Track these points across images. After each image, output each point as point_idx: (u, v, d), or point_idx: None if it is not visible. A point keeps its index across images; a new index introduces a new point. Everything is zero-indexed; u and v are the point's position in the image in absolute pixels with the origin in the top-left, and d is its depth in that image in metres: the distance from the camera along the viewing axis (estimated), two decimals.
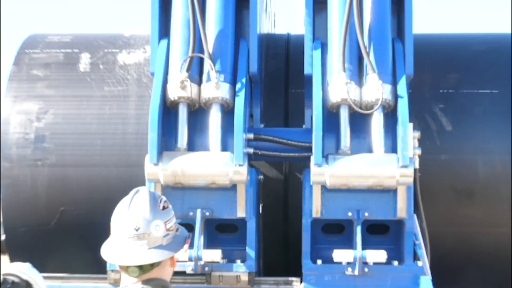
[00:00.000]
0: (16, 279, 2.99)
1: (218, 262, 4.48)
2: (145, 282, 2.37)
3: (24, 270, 3.07)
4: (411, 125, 4.46)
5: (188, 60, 4.66)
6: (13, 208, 5.80)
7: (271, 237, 5.42)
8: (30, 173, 5.75)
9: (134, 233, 2.38)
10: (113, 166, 5.73)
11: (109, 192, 5.34)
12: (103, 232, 4.27)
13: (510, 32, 6.80)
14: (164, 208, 2.51)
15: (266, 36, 5.99)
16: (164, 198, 2.60)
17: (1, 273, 2.99)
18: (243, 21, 5.13)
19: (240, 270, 4.55)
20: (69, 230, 5.71)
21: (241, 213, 4.60)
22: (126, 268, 2.40)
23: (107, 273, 4.50)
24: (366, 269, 4.35)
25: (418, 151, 4.54)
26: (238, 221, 4.71)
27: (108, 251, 2.47)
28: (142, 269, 2.37)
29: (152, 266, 2.39)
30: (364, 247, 4.38)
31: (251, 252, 4.67)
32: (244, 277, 4.57)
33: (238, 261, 4.58)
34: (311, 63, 4.92)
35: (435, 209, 5.23)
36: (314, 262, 4.56)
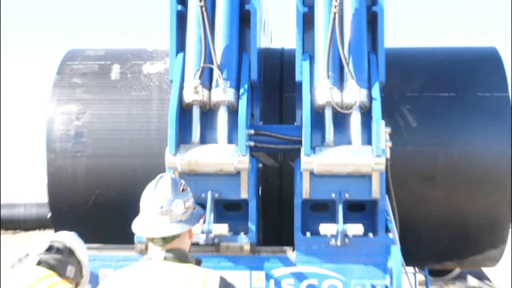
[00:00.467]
0: (60, 246, 3.17)
1: (225, 235, 4.79)
2: (168, 251, 2.65)
3: (68, 238, 3.28)
4: (383, 122, 4.75)
5: (200, 70, 4.96)
6: (57, 191, 6.17)
7: (268, 214, 5.64)
8: (71, 163, 6.09)
9: (158, 210, 2.70)
10: (139, 156, 6.02)
11: (136, 178, 5.69)
12: (131, 211, 4.63)
13: (466, 45, 7.05)
14: (183, 190, 2.83)
15: (264, 50, 6.24)
16: (183, 182, 2.91)
17: (49, 240, 3.19)
18: (245, 38, 5.35)
19: (243, 241, 4.86)
20: (103, 209, 6.04)
21: (244, 194, 4.92)
22: (152, 240, 2.72)
23: (135, 244, 4.82)
24: (346, 240, 4.67)
25: (389, 144, 4.83)
26: (242, 201, 5.02)
27: (137, 226, 2.79)
28: (165, 240, 2.67)
29: (174, 237, 2.69)
30: (345, 222, 4.73)
31: (252, 226, 4.97)
32: (247, 247, 4.85)
33: (242, 234, 4.88)
34: (301, 72, 5.22)
35: (403, 191, 5.37)
36: (304, 234, 4.89)
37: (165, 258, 2.65)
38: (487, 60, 6.35)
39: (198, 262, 2.81)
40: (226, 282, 2.59)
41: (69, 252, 3.19)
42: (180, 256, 2.68)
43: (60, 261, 3.13)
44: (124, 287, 2.67)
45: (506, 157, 5.80)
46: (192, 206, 2.87)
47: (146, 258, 2.75)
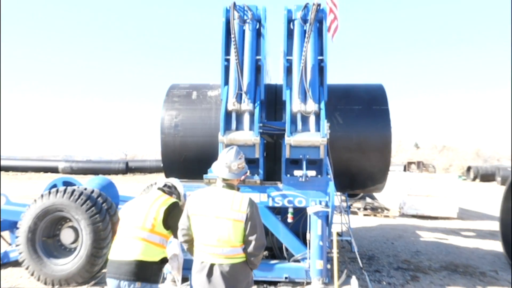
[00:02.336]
0: (169, 183, 3.70)
1: (247, 175, 5.76)
2: (225, 185, 3.10)
3: (173, 180, 3.78)
4: (326, 120, 5.78)
5: (236, 94, 6.01)
6: (165, 154, 7.02)
7: (268, 165, 6.41)
8: (172, 139, 6.95)
9: (225, 165, 3.09)
10: (205, 136, 6.77)
11: (204, 147, 6.70)
12: (201, 164, 5.78)
13: (381, 85, 7.41)
14: (240, 157, 3.16)
15: (267, 84, 6.82)
16: (241, 153, 3.21)
17: (165, 181, 3.74)
18: (258, 77, 6.29)
19: (256, 178, 5.87)
20: (188, 163, 6.91)
21: (257, 155, 5.88)
22: (220, 178, 3.13)
23: (204, 179, 5.81)
24: (307, 178, 5.74)
25: (328, 131, 5.76)
26: (256, 159, 5.89)
27: (214, 168, 3.21)
28: (224, 179, 3.11)
29: (229, 180, 3.11)
30: (307, 169, 5.79)
31: (260, 171, 5.93)
32: (258, 181, 5.87)
33: (256, 175, 5.88)
34: (285, 95, 6.13)
35: (335, 155, 6.26)
36: (286, 175, 5.88)
37: (223, 187, 3.08)
38: (377, 91, 7.14)
39: (238, 189, 3.15)
40: (252, 200, 2.99)
41: (173, 187, 3.68)
42: (231, 187, 3.08)
43: (170, 190, 3.61)
44: (203, 197, 3.06)
45: (386, 138, 6.75)
46: (243, 166, 3.14)
47: (215, 185, 3.16)
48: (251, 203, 2.95)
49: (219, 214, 2.91)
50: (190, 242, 3.12)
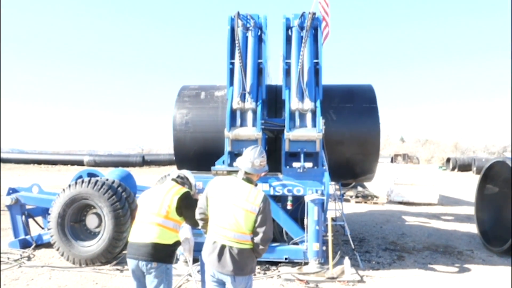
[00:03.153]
0: (182, 175, 3.62)
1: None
2: (245, 178, 3.04)
3: (186, 171, 3.72)
4: (321, 117, 5.84)
5: (240, 94, 6.03)
6: (177, 148, 7.04)
7: (270, 158, 5.49)
8: (183, 135, 6.97)
9: (249, 160, 3.04)
10: (213, 132, 6.72)
11: (212, 142, 6.67)
12: (210, 157, 5.87)
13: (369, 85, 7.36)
14: (262, 156, 3.06)
15: (268, 85, 6.75)
16: (264, 152, 3.09)
17: (178, 172, 3.63)
18: (260, 79, 6.29)
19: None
20: (198, 156, 6.86)
21: None
22: (242, 171, 3.04)
23: (212, 171, 5.80)
24: (304, 169, 5.76)
25: (323, 126, 5.85)
26: None
27: (239, 162, 3.10)
28: (246, 172, 3.04)
29: (250, 174, 3.05)
30: (304, 161, 5.82)
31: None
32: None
33: None
34: (285, 94, 6.15)
35: (329, 148, 6.27)
36: (286, 167, 5.92)
37: (243, 179, 3.03)
38: (367, 90, 7.11)
39: (255, 185, 3.08)
40: (266, 197, 2.94)
41: (186, 178, 3.62)
42: (249, 181, 3.03)
43: (183, 181, 3.55)
44: (223, 183, 3.04)
45: (375, 132, 6.74)
46: (264, 165, 3.07)
47: (236, 176, 3.07)
48: (265, 199, 2.92)
49: (234, 202, 2.89)
50: (205, 220, 3.09)
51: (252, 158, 3.02)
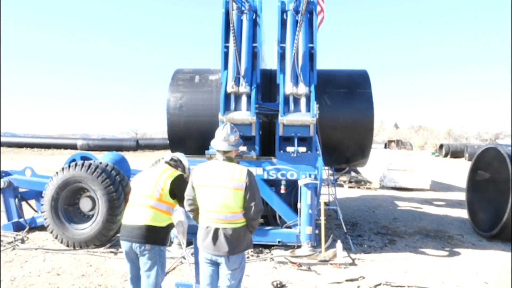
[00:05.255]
0: (175, 157, 3.61)
1: (245, 151, 5.90)
2: (225, 158, 3.08)
3: (179, 154, 3.69)
4: (315, 102, 5.82)
5: (234, 78, 5.99)
6: (171, 132, 6.98)
7: (264, 142, 6.46)
8: (177, 119, 6.91)
9: (223, 138, 3.07)
10: (207, 116, 6.67)
11: (206, 125, 6.50)
12: (204, 141, 5.74)
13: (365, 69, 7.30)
14: (235, 131, 3.15)
15: (263, 69, 6.76)
16: (235, 128, 3.21)
17: (171, 154, 3.63)
18: (254, 62, 6.23)
19: (253, 154, 5.96)
20: (191, 140, 6.86)
21: (253, 133, 5.95)
22: (219, 151, 3.10)
23: (205, 155, 5.84)
24: (298, 154, 5.81)
25: (318, 111, 5.84)
26: (252, 136, 5.96)
27: (213, 143, 3.13)
28: (224, 152, 3.08)
29: (227, 152, 3.08)
30: (298, 146, 5.85)
31: (257, 147, 6.03)
32: (254, 156, 5.96)
33: (252, 151, 5.94)
34: (279, 79, 6.14)
35: (323, 132, 6.25)
36: (280, 151, 5.92)
37: (223, 159, 3.08)
38: (362, 76, 7.09)
39: (237, 162, 3.13)
40: (249, 171, 3.01)
41: (179, 160, 3.61)
42: (230, 160, 3.08)
43: (176, 164, 3.55)
44: (206, 169, 3.05)
45: (369, 118, 6.72)
46: (238, 139, 3.14)
47: (215, 159, 3.15)
48: (249, 174, 2.97)
49: (221, 184, 2.92)
50: (195, 211, 3.11)
51: (226, 135, 3.06)
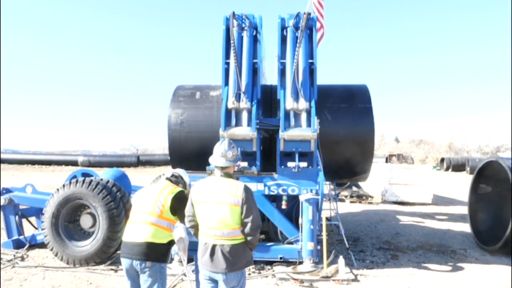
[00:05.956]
0: (176, 174, 3.64)
1: (246, 167, 5.89)
2: (223, 174, 3.06)
3: (180, 170, 3.73)
4: (316, 117, 5.80)
5: (235, 94, 5.99)
6: (172, 148, 6.99)
7: (265, 158, 6.37)
8: (178, 135, 6.91)
9: (220, 154, 3.06)
10: (208, 132, 6.66)
11: (207, 141, 6.36)
12: (205, 157, 5.74)
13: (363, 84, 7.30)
14: (233, 147, 3.13)
15: (263, 85, 6.76)
16: (233, 143, 3.20)
17: (172, 171, 3.65)
18: (255, 78, 6.23)
19: (254, 169, 5.91)
20: (192, 156, 6.79)
21: (254, 148, 5.90)
22: (217, 167, 3.08)
23: (206, 171, 5.84)
24: (299, 169, 5.78)
25: (318, 126, 5.81)
26: (253, 152, 5.93)
27: (211, 160, 3.11)
28: (222, 168, 3.05)
29: (226, 167, 3.06)
30: (299, 161, 5.81)
31: (257, 163, 5.98)
32: (255, 172, 5.92)
33: (253, 166, 5.91)
34: (279, 95, 6.13)
35: (324, 148, 6.20)
36: (281, 166, 5.90)
37: (221, 175, 3.05)
38: (362, 90, 7.11)
39: (236, 178, 3.10)
40: (247, 186, 2.95)
41: (180, 176, 3.63)
42: (228, 176, 3.05)
43: (177, 180, 3.57)
44: (204, 186, 3.02)
45: (370, 132, 6.73)
46: (237, 155, 3.12)
47: (214, 175, 3.14)
48: (246, 189, 2.93)
49: (218, 200, 2.90)
50: (195, 227, 3.09)
51: (224, 151, 3.04)
